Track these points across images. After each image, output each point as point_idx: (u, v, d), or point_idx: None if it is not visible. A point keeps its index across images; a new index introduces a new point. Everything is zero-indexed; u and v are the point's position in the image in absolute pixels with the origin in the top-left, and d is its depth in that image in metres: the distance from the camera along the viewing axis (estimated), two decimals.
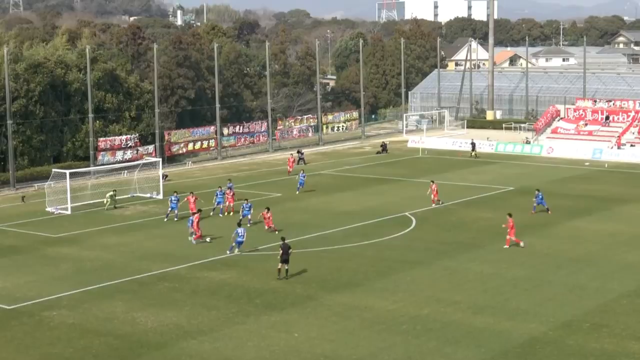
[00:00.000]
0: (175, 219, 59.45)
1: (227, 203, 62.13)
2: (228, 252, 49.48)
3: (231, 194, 62.67)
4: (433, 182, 65.01)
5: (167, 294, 42.35)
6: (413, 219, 59.65)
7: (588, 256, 48.87)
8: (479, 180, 76.84)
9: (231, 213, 61.19)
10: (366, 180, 76.98)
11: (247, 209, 57.93)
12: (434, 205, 63.21)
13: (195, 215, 53.54)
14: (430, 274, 45.55)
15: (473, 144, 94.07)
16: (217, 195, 62.72)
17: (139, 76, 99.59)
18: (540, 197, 60.77)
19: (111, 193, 65.79)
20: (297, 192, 69.53)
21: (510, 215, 51.45)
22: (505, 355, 33.49)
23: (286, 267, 44.24)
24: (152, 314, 39.09)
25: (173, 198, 60.21)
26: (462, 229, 56.11)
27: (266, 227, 55.60)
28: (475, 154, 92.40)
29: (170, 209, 60.08)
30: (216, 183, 76.85)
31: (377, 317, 38.35)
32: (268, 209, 56.41)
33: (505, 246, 50.30)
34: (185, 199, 60.32)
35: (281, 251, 44.49)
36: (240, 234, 48.89)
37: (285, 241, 44.79)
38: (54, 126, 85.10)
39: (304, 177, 70.57)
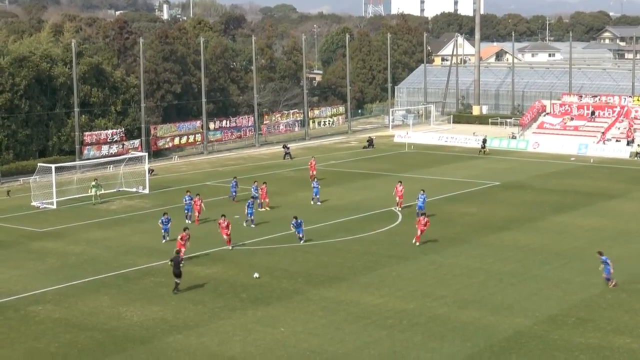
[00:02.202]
0: (188, 221, 57.08)
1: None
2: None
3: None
4: (400, 182, 62.20)
5: (153, 289, 42.31)
6: (399, 213, 59.71)
7: (573, 251, 49.04)
8: (465, 175, 76.96)
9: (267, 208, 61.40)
10: (352, 175, 77.03)
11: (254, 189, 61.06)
12: (399, 208, 60.62)
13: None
14: (416, 268, 45.63)
15: (484, 140, 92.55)
16: (232, 185, 64.73)
17: (125, 70, 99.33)
18: (423, 199, 57.44)
19: (93, 183, 65.58)
20: (312, 203, 63.91)
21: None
22: (491, 349, 33.59)
23: (177, 281, 41.35)
24: (137, 308, 39.05)
25: (187, 198, 58.52)
26: (448, 223, 56.19)
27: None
28: (484, 151, 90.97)
29: (185, 210, 58.24)
30: (203, 178, 76.96)
31: (363, 311, 38.40)
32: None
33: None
34: (193, 201, 58.17)
35: (172, 264, 41.70)
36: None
37: (178, 253, 42.42)
38: (39, 120, 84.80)
39: (318, 185, 64.97)
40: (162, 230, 52.16)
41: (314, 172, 72.74)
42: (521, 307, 38.70)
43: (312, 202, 63.78)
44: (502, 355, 32.89)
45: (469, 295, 40.64)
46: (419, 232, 50.09)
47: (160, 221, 52.40)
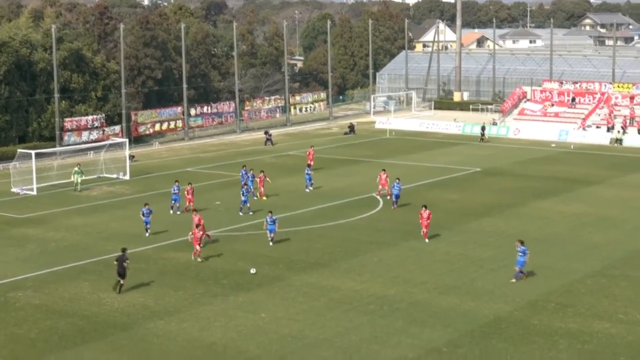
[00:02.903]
0: (179, 212, 55.95)
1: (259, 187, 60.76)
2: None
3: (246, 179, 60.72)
4: (384, 170, 61.52)
5: (134, 275, 42.15)
6: (380, 200, 59.77)
7: (553, 237, 49.25)
8: (446, 161, 77.11)
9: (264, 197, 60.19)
10: (333, 161, 77.02)
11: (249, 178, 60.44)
12: (379, 195, 60.38)
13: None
14: (397, 254, 45.72)
15: (483, 128, 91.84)
16: (242, 175, 61.74)
17: (105, 56, 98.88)
18: (399, 188, 57.01)
19: (76, 169, 65.29)
20: (308, 190, 63.45)
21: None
22: (471, 334, 33.72)
23: (121, 282, 39.39)
24: (118, 294, 38.95)
25: (175, 188, 56.44)
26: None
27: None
28: (482, 138, 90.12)
29: (173, 200, 56.50)
30: (184, 164, 76.80)
31: (344, 297, 38.47)
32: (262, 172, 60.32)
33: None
34: (186, 190, 56.60)
35: (117, 263, 39.78)
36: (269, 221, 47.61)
37: (124, 252, 40.21)
38: (19, 106, 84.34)
39: (310, 171, 64.78)
40: (144, 223, 50.34)
41: (311, 162, 69.90)
42: (501, 293, 38.86)
43: (307, 190, 63.48)
44: (482, 341, 33.03)
45: (450, 281, 40.77)
46: (424, 229, 48.38)
47: (141, 212, 50.74)
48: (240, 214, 55.31)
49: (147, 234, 49.98)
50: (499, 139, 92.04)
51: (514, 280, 40.38)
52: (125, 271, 39.28)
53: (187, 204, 55.86)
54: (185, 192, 56.01)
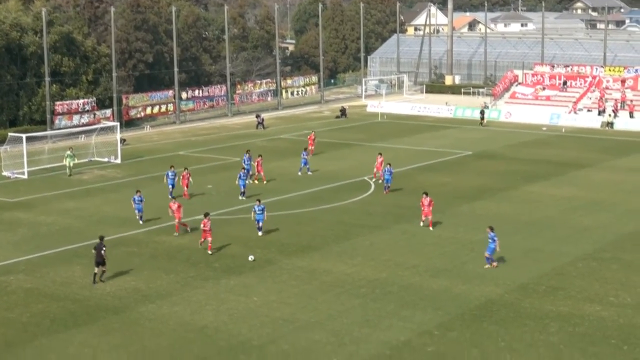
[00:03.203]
0: (170, 196, 53.60)
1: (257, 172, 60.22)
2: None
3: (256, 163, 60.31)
4: (380, 154, 61.06)
5: (126, 259, 42.22)
6: (372, 183, 59.80)
7: (544, 220, 49.35)
8: (438, 144, 77.15)
9: (255, 181, 59.63)
10: (325, 144, 76.94)
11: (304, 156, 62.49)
12: (373, 179, 60.09)
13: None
14: (388, 238, 45.78)
15: (482, 112, 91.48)
16: (244, 161, 60.25)
17: (96, 39, 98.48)
18: (390, 172, 56.52)
19: (68, 152, 65.14)
20: (300, 173, 63.35)
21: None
22: (462, 317, 33.82)
23: (103, 269, 38.60)
24: (110, 278, 38.94)
25: (170, 173, 55.78)
26: (420, 193, 56.14)
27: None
28: (482, 122, 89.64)
29: (169, 186, 55.49)
30: (175, 148, 76.70)
31: (335, 280, 38.53)
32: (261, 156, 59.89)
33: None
34: (181, 175, 55.79)
35: (94, 252, 38.90)
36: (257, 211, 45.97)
37: (102, 240, 39.34)
38: (9, 90, 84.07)
39: (306, 155, 64.40)
40: (136, 211, 49.57)
41: (312, 147, 69.82)
42: (492, 276, 38.95)
43: (299, 173, 63.31)
44: (473, 323, 33.13)
45: (441, 264, 40.85)
46: (424, 217, 47.43)
47: (132, 200, 49.90)
48: (243, 198, 54.83)
49: (140, 222, 49.12)
50: (490, 122, 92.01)
51: (487, 266, 40.32)
52: (104, 259, 38.37)
53: (184, 188, 55.30)
54: (182, 177, 55.48)
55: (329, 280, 38.53)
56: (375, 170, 60.20)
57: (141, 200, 49.35)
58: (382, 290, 37.17)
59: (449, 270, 39.93)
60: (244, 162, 59.97)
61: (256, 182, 59.64)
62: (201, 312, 34.72)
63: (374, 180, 59.98)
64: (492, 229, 40.65)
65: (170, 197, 53.53)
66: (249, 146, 74.72)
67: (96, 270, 38.41)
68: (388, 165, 57.12)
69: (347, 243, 44.62)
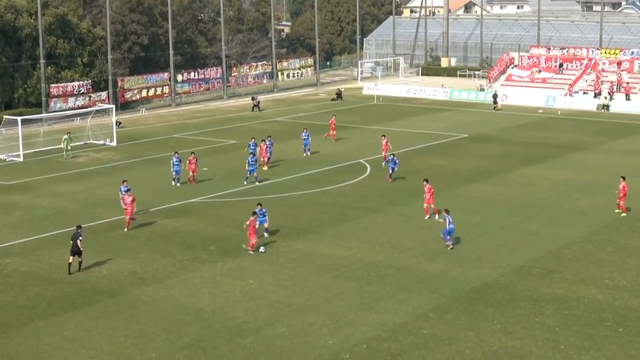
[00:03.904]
0: (178, 184, 53.90)
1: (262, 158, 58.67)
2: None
3: (264, 147, 58.77)
4: (384, 136, 61.05)
5: (122, 242, 42.23)
6: (368, 166, 59.80)
7: (540, 203, 49.39)
8: (433, 127, 77.13)
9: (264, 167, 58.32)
10: (321, 127, 76.86)
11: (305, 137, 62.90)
12: (384, 162, 59.08)
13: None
14: (384, 220, 45.81)
15: (495, 95, 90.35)
16: (249, 146, 58.88)
17: (91, 22, 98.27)
18: (395, 162, 54.63)
19: (66, 137, 65.03)
20: (305, 155, 63.57)
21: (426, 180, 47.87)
22: (458, 300, 33.87)
23: (79, 260, 37.63)
24: (106, 261, 38.94)
25: (175, 159, 54.10)
26: (416, 176, 56.23)
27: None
28: (495, 107, 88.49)
29: (174, 172, 54.12)
30: (171, 131, 76.61)
31: (331, 263, 38.55)
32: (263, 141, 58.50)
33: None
34: (187, 159, 54.45)
35: (71, 242, 37.79)
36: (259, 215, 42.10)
37: (79, 229, 38.31)
38: (4, 72, 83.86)
39: (307, 135, 64.53)
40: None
41: (334, 132, 69.31)
42: (488, 259, 39.00)
43: (304, 155, 63.34)
44: (469, 306, 33.18)
45: (437, 247, 40.87)
46: (432, 205, 46.29)
47: (119, 189, 47.64)
48: (245, 183, 54.32)
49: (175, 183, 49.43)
50: (486, 104, 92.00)
51: (449, 246, 40.41)
52: (79, 249, 37.31)
53: (190, 174, 54.01)
54: (188, 162, 53.94)
55: (325, 263, 38.56)
56: (383, 153, 59.93)
57: (127, 190, 46.85)
58: (378, 273, 37.21)
59: (445, 253, 39.96)
60: (249, 148, 58.80)
61: (265, 168, 58.52)
62: (197, 295, 34.75)
63: (384, 164, 59.28)
64: (447, 212, 40.80)
65: (173, 183, 53.35)
66: (245, 129, 74.75)
67: (71, 259, 37.53)
68: (392, 155, 55.68)
69: (343, 226, 44.64)
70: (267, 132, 72.00)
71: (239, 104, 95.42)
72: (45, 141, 67.63)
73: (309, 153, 63.68)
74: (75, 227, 38.80)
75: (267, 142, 59.95)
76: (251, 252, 39.82)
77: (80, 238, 37.63)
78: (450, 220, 40.33)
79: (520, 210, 47.66)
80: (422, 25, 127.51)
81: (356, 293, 34.83)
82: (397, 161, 54.86)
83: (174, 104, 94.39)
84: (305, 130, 65.21)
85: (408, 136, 71.74)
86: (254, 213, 41.06)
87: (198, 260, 39.25)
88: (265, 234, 42.43)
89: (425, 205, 46.48)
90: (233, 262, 38.99)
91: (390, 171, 55.05)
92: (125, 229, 44.00)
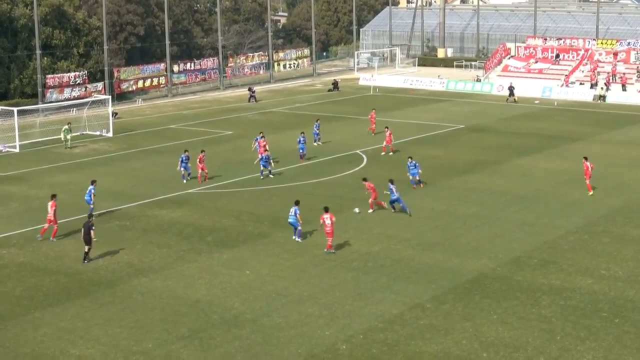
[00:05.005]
0: (189, 178, 52.77)
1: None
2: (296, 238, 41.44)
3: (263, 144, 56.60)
4: (387, 128, 61.26)
5: (118, 232, 42.23)
6: (364, 156, 59.80)
7: (536, 193, 49.42)
8: (430, 118, 77.12)
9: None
10: (317, 118, 76.87)
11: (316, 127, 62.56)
12: (391, 153, 59.87)
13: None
14: (380, 211, 45.77)
15: (511, 88, 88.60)
16: (256, 140, 58.02)
17: (87, 12, 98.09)
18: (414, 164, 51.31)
19: (66, 127, 64.91)
20: (316, 144, 63.32)
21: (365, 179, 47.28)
22: (455, 290, 33.91)
23: (87, 248, 37.73)
24: (103, 252, 38.93)
25: (184, 157, 52.69)
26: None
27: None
28: (515, 99, 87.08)
29: (182, 169, 52.80)
30: (167, 121, 76.53)
31: (328, 254, 38.53)
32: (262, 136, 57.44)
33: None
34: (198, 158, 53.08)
35: (83, 230, 37.93)
36: (290, 213, 40.81)
37: (91, 218, 38.87)
38: (0, 63, 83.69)
39: (317, 128, 64.32)
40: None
41: (374, 126, 67.95)
42: (485, 249, 39.04)
43: (315, 144, 63.23)
44: (465, 297, 33.23)
45: (434, 238, 40.92)
46: (376, 200, 45.74)
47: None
48: (262, 177, 53.51)
49: (91, 212, 43.20)
50: (482, 95, 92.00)
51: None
52: (91, 238, 37.56)
53: (200, 172, 52.62)
54: (198, 161, 52.68)
55: (322, 254, 38.57)
56: (385, 144, 60.08)
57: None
58: (375, 264, 37.23)
59: (441, 244, 40.00)
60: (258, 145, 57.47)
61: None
62: (194, 286, 34.76)
63: (383, 154, 59.40)
64: (391, 182, 44.85)
65: (185, 181, 52.61)
66: (242, 119, 74.73)
67: (86, 248, 37.83)
68: (410, 159, 51.96)
69: (340, 217, 44.49)
70: (263, 123, 72.01)
71: (235, 94, 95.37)
72: (42, 132, 67.56)
73: (320, 143, 63.40)
74: (87, 216, 39.25)
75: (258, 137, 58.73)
76: (332, 251, 38.70)
77: (93, 228, 37.84)
78: (394, 190, 43.04)
79: (517, 201, 47.69)
80: (418, 15, 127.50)
81: (353, 284, 34.86)
82: (417, 165, 51.22)
83: (170, 95, 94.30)
84: (317, 122, 65.36)
85: (404, 127, 71.69)
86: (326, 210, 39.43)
87: (195, 251, 39.26)
88: (298, 239, 40.86)
89: (370, 201, 45.53)
90: (230, 252, 39.00)
91: (414, 176, 51.12)
92: (39, 236, 41.38)
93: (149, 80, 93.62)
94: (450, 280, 35.06)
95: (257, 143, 57.72)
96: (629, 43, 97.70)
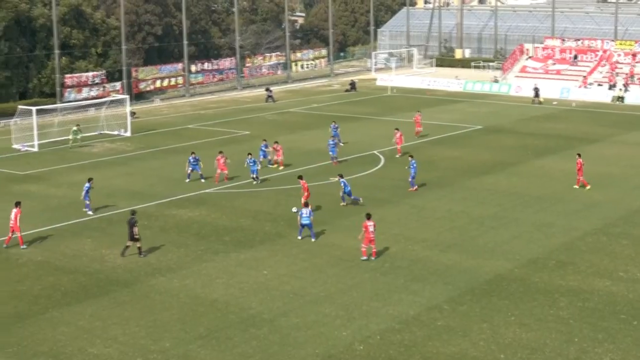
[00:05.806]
0: (202, 180, 52.53)
1: (276, 157, 56.96)
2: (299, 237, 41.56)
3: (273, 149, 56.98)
4: (397, 129, 61.08)
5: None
6: (381, 157, 59.77)
7: (554, 195, 49.27)
8: (447, 119, 76.99)
9: (280, 167, 56.77)
10: (334, 118, 76.79)
11: (334, 132, 61.90)
12: (398, 155, 59.42)
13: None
14: (398, 212, 45.77)
15: (536, 89, 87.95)
16: (261, 148, 57.21)
17: (105, 12, 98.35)
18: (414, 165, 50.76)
19: (74, 128, 65.16)
20: (341, 144, 62.24)
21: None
22: (472, 292, 33.85)
23: (138, 245, 38.40)
24: (120, 251, 39.01)
25: (191, 159, 52.81)
26: (430, 167, 56.27)
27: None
28: (540, 101, 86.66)
29: (190, 169, 52.88)
30: (185, 121, 76.69)
31: (345, 254, 38.56)
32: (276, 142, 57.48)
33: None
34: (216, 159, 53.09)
35: (128, 227, 38.65)
36: (304, 215, 40.80)
37: (134, 214, 39.40)
38: (19, 62, 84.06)
39: (336, 128, 64.04)
40: (84, 199, 46.25)
41: (420, 128, 67.50)
42: (502, 251, 38.95)
43: (340, 144, 62.78)
44: (483, 298, 33.16)
45: (451, 239, 40.86)
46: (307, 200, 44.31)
47: (84, 187, 46.11)
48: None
49: (89, 212, 45.29)
50: (500, 96, 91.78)
51: (342, 204, 44.85)
52: (134, 236, 38.21)
53: (220, 171, 52.55)
54: (217, 161, 52.61)
55: (339, 254, 38.57)
56: (397, 146, 59.89)
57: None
58: (392, 265, 37.21)
59: (459, 245, 39.93)
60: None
61: (276, 165, 57.21)
62: (212, 286, 34.83)
63: (398, 156, 59.23)
64: (341, 176, 47.08)
65: (203, 180, 52.42)
66: (260, 120, 74.82)
67: (129, 244, 38.27)
68: (410, 158, 52.04)
69: (357, 217, 44.47)
70: (280, 123, 72.03)
71: (252, 94, 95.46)
72: (60, 131, 67.77)
73: (341, 144, 62.42)
74: (130, 213, 39.67)
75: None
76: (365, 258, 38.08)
77: (137, 225, 38.31)
78: (346, 183, 46.10)
79: (534, 202, 47.56)
80: (436, 16, 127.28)
81: (370, 284, 34.85)
82: (414, 165, 50.90)
83: (188, 95, 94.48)
84: (334, 123, 65.15)
85: (422, 127, 71.50)
86: (368, 217, 38.48)
87: (212, 251, 39.33)
88: (313, 239, 40.95)
89: (303, 201, 43.80)
90: (247, 252, 39.06)
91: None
92: (5, 246, 40.46)
93: (167, 80, 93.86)
94: (468, 282, 35.01)
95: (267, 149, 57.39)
96: None
